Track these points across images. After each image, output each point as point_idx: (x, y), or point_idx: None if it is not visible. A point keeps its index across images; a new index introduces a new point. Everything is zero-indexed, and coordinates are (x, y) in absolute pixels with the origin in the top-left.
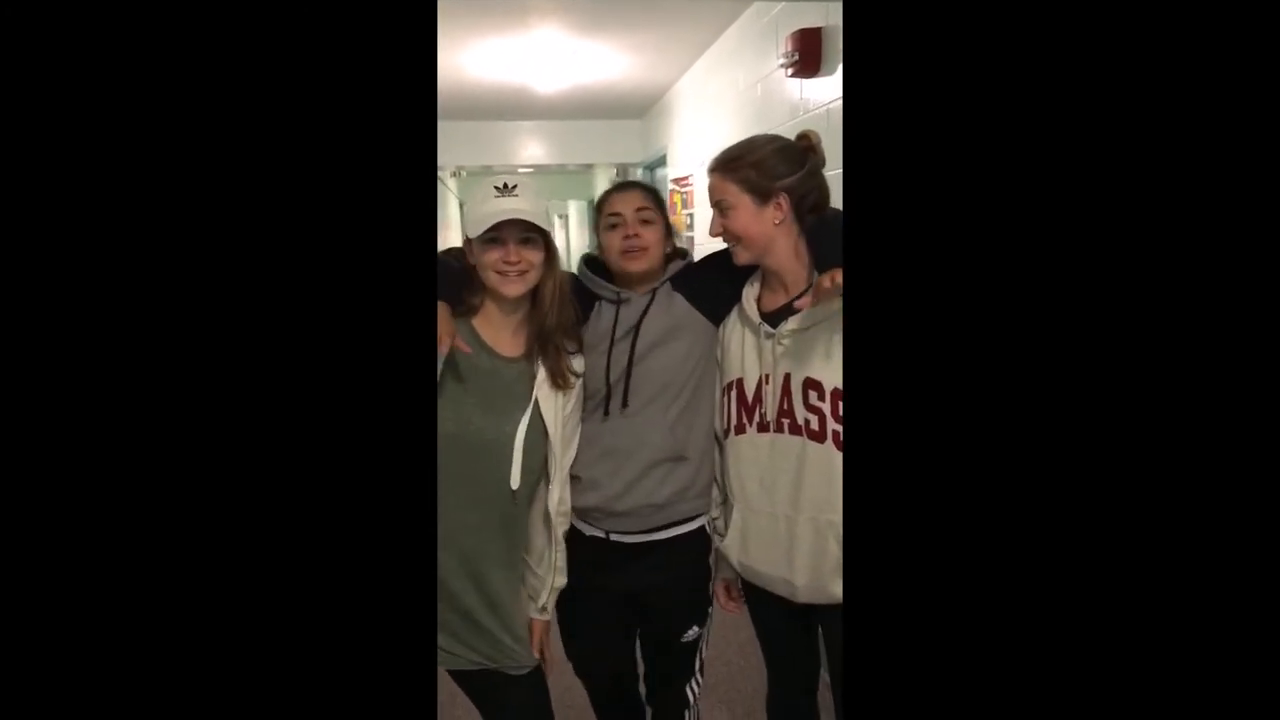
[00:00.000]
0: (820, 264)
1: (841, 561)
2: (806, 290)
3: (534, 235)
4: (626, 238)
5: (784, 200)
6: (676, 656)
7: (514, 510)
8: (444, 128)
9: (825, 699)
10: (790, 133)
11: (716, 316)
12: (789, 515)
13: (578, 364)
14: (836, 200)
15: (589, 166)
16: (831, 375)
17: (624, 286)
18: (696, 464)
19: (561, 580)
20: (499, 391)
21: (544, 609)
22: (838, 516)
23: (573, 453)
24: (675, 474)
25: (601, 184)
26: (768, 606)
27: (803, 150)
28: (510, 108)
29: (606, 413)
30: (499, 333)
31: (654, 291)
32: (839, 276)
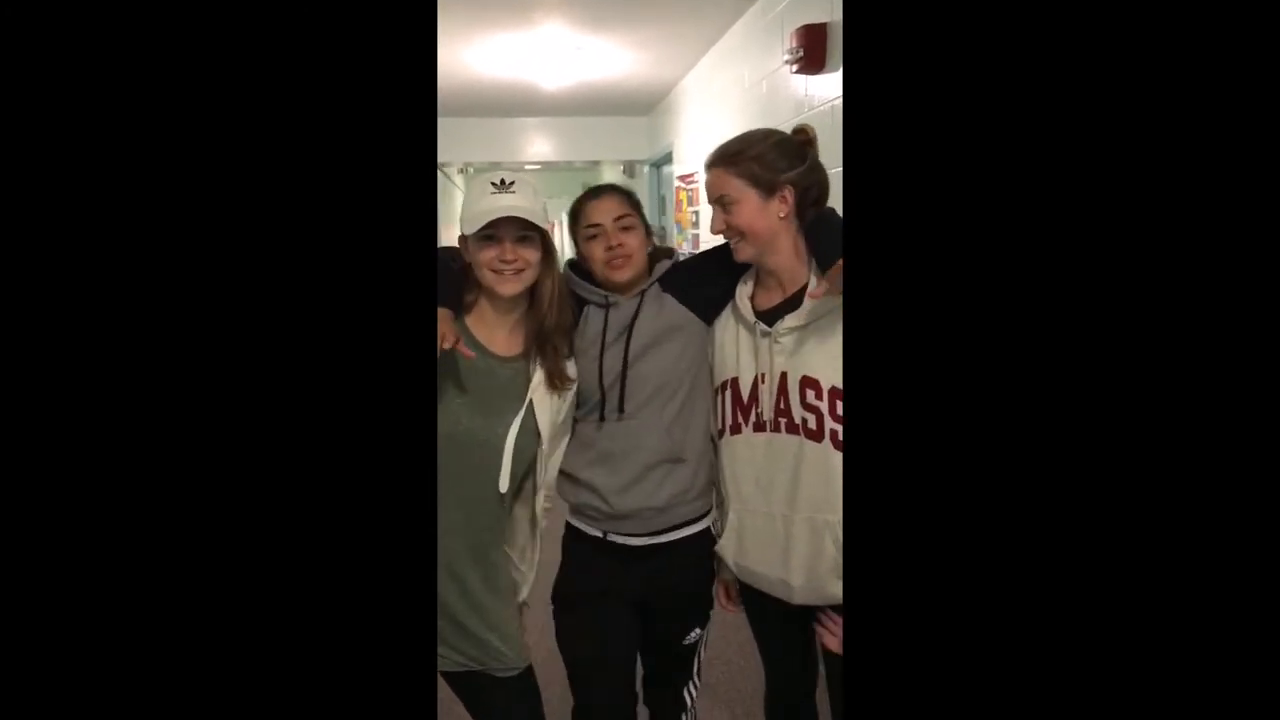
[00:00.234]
0: (820, 261)
1: (838, 562)
2: (804, 288)
3: (531, 233)
4: (609, 248)
5: (789, 193)
6: (676, 658)
7: (500, 511)
8: (452, 124)
9: (825, 700)
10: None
11: (709, 316)
12: (785, 515)
13: (570, 369)
14: (836, 197)
15: (596, 163)
16: (829, 374)
17: (611, 290)
18: (695, 465)
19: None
20: (492, 391)
21: (525, 603)
22: (835, 516)
23: (559, 455)
24: (673, 476)
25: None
26: (764, 608)
27: (800, 144)
28: (517, 104)
29: (601, 418)
30: (493, 331)
31: (643, 294)
32: None
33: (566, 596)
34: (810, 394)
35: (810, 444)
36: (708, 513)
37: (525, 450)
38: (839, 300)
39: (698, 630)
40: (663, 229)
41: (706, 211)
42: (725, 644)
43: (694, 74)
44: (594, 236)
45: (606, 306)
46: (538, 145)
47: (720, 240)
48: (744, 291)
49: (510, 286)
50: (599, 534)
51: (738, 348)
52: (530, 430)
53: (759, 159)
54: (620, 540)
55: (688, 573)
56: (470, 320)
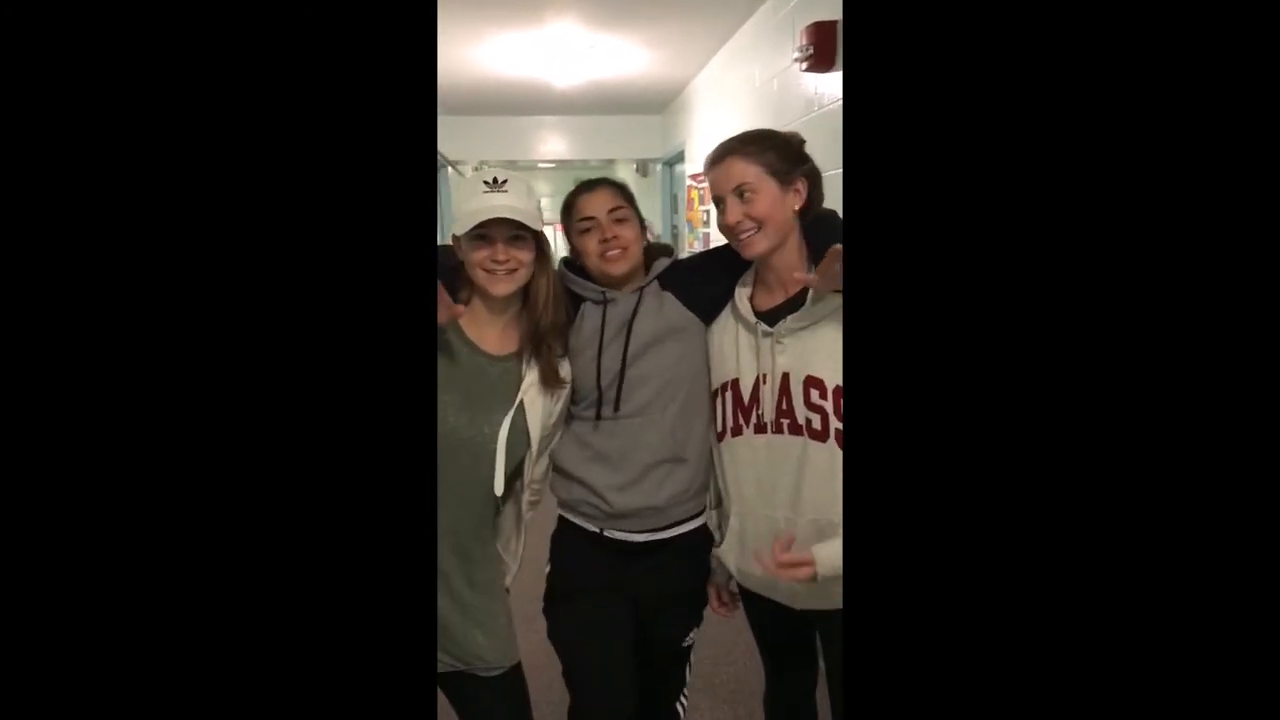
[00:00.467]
0: (820, 261)
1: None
2: (807, 288)
3: (524, 233)
4: (604, 240)
5: (802, 186)
6: (674, 658)
7: (486, 510)
8: (465, 122)
9: (824, 702)
10: (803, 128)
11: (709, 316)
12: (789, 518)
13: (564, 369)
14: (836, 196)
15: (610, 161)
16: (833, 373)
17: (607, 285)
18: (695, 465)
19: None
20: (482, 390)
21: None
22: (839, 517)
23: (546, 458)
24: (674, 476)
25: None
26: (765, 612)
27: (799, 146)
28: (529, 103)
29: (599, 416)
30: (485, 330)
31: (641, 291)
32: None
33: (564, 591)
34: (814, 394)
35: (814, 444)
36: (703, 510)
37: (516, 451)
38: (840, 299)
39: (695, 631)
40: (675, 228)
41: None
42: (730, 644)
43: (706, 72)
44: (588, 230)
45: (604, 303)
46: (551, 144)
47: (722, 238)
48: (743, 292)
49: (503, 286)
50: (595, 530)
51: (737, 348)
52: (520, 430)
53: (777, 149)
54: (618, 536)
55: (685, 569)
56: (463, 318)
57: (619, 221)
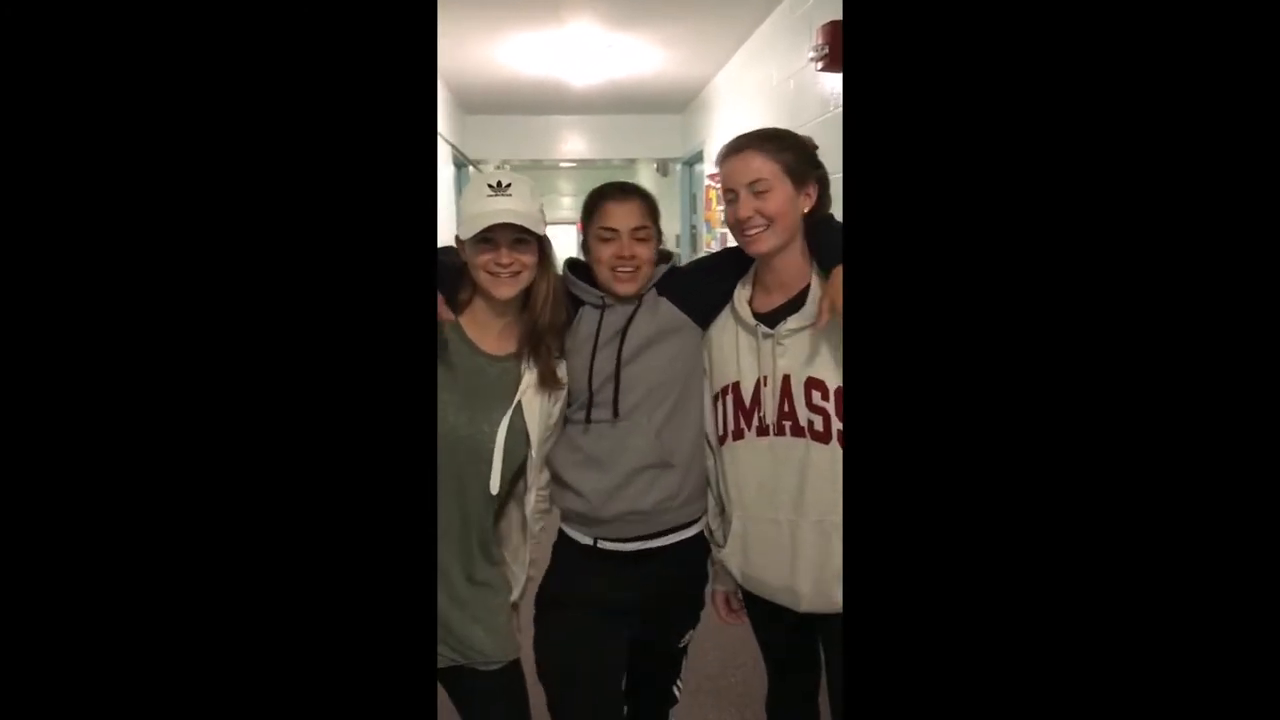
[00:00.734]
0: (822, 263)
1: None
2: (806, 288)
3: (527, 236)
4: (620, 257)
5: (813, 189)
6: (670, 659)
7: (485, 509)
8: (484, 122)
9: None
10: (819, 128)
11: (705, 320)
12: (792, 520)
13: (562, 370)
14: (837, 195)
15: (632, 161)
16: (834, 374)
17: (609, 292)
18: (683, 471)
19: (534, 572)
20: (480, 389)
21: (516, 602)
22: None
23: (544, 458)
24: (661, 481)
25: (644, 179)
26: (768, 617)
27: (812, 150)
28: (548, 102)
29: (589, 419)
30: (484, 330)
31: (640, 298)
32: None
33: (555, 599)
34: (816, 395)
35: (816, 446)
36: (699, 518)
37: (515, 451)
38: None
39: (691, 632)
40: (693, 228)
41: None
42: (738, 648)
43: (725, 72)
44: (607, 240)
45: (602, 308)
46: (571, 143)
47: (729, 235)
48: (742, 295)
49: (506, 289)
50: (589, 541)
51: (738, 351)
52: (519, 430)
53: (794, 150)
54: (611, 547)
55: (681, 578)
56: (463, 319)
57: (640, 241)
